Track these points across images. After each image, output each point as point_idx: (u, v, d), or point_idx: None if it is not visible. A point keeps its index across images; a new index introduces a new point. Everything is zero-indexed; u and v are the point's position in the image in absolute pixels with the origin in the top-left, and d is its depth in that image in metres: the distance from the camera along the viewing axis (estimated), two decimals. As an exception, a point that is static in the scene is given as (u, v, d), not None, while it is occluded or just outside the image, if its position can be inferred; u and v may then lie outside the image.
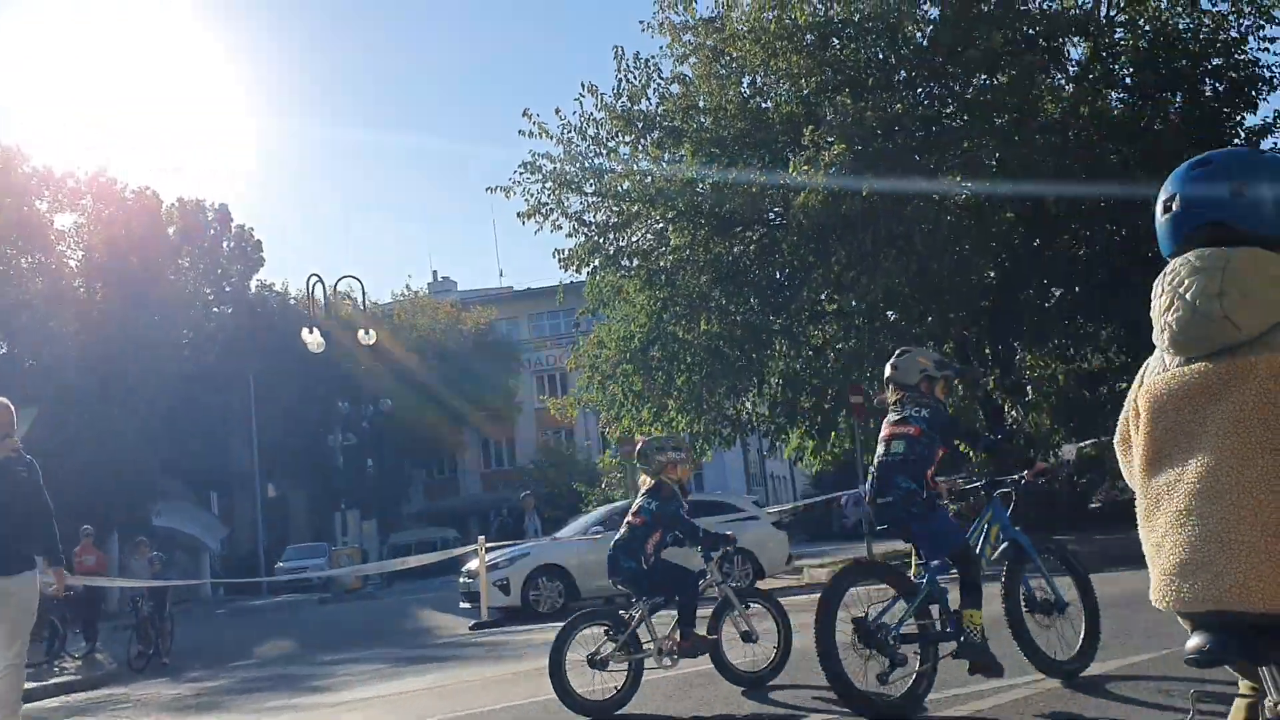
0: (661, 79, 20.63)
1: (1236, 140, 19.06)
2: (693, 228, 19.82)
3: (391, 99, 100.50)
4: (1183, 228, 2.08)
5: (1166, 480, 1.94)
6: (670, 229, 20.17)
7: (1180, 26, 19.34)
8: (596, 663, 6.15)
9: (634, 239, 20.80)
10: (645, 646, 6.23)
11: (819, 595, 5.39)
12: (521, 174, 19.71)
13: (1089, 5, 19.73)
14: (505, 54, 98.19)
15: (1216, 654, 1.81)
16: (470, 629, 15.53)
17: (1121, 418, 2.25)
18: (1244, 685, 1.91)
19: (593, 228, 20.40)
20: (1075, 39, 19.67)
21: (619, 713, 6.26)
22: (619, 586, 6.73)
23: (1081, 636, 5.81)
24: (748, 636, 6.59)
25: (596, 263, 20.23)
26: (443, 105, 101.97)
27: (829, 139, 17.95)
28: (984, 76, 19.08)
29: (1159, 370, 2.11)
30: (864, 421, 19.14)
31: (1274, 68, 19.26)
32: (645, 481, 6.54)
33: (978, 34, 18.24)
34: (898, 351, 5.91)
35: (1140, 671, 5.78)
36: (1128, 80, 19.70)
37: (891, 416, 5.64)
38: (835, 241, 18.26)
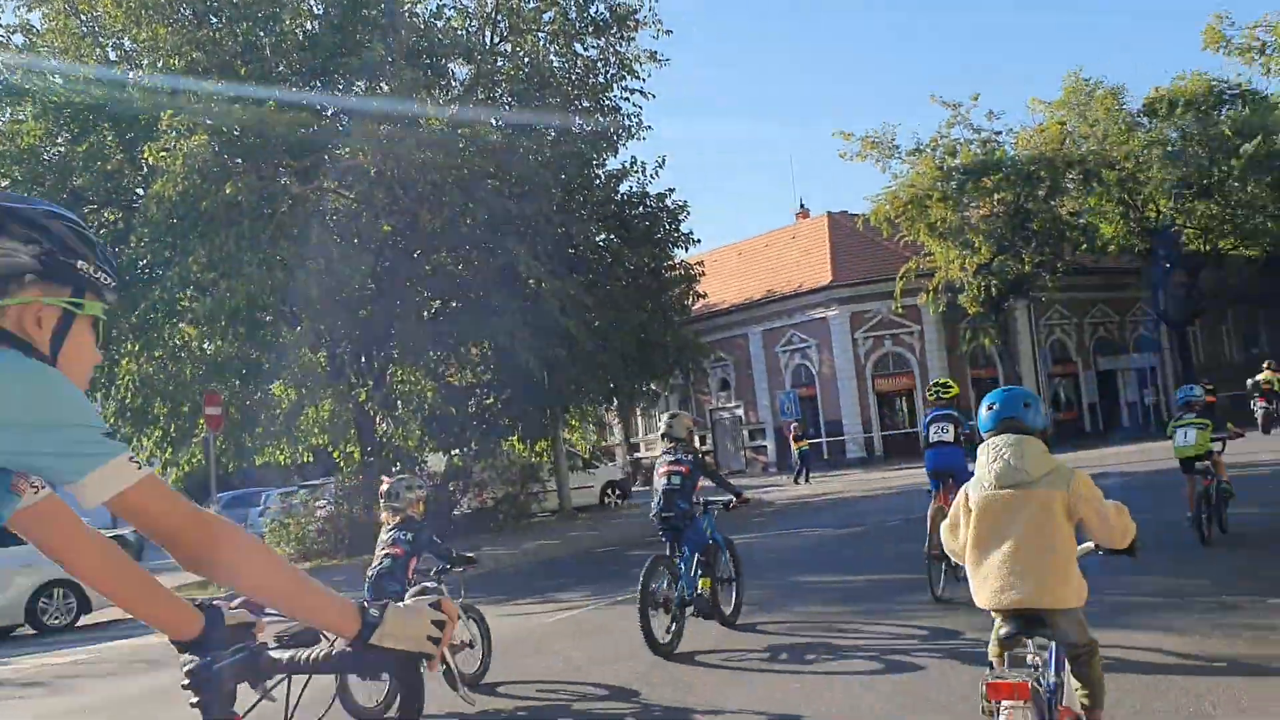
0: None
1: (597, 180, 21.90)
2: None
3: None
4: (996, 420, 4.11)
5: (990, 548, 3.92)
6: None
7: (555, 65, 21.68)
8: None
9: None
10: None
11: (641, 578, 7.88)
12: None
13: (475, 29, 21.34)
14: None
15: (1020, 630, 3.76)
16: None
17: (952, 514, 4.17)
18: (1032, 654, 3.79)
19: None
20: (459, 60, 21.15)
21: None
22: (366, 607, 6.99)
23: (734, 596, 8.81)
24: (469, 644, 7.48)
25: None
26: None
27: (192, 125, 17.47)
28: (365, 84, 19.76)
29: (981, 490, 4.00)
30: (220, 433, 18.89)
31: (633, 117, 22.40)
32: (388, 518, 7.45)
33: (362, 39, 18.89)
34: (671, 413, 9.14)
35: None
36: (508, 107, 21.63)
37: (667, 457, 8.56)
38: (196, 239, 17.81)
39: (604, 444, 41.48)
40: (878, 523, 15.01)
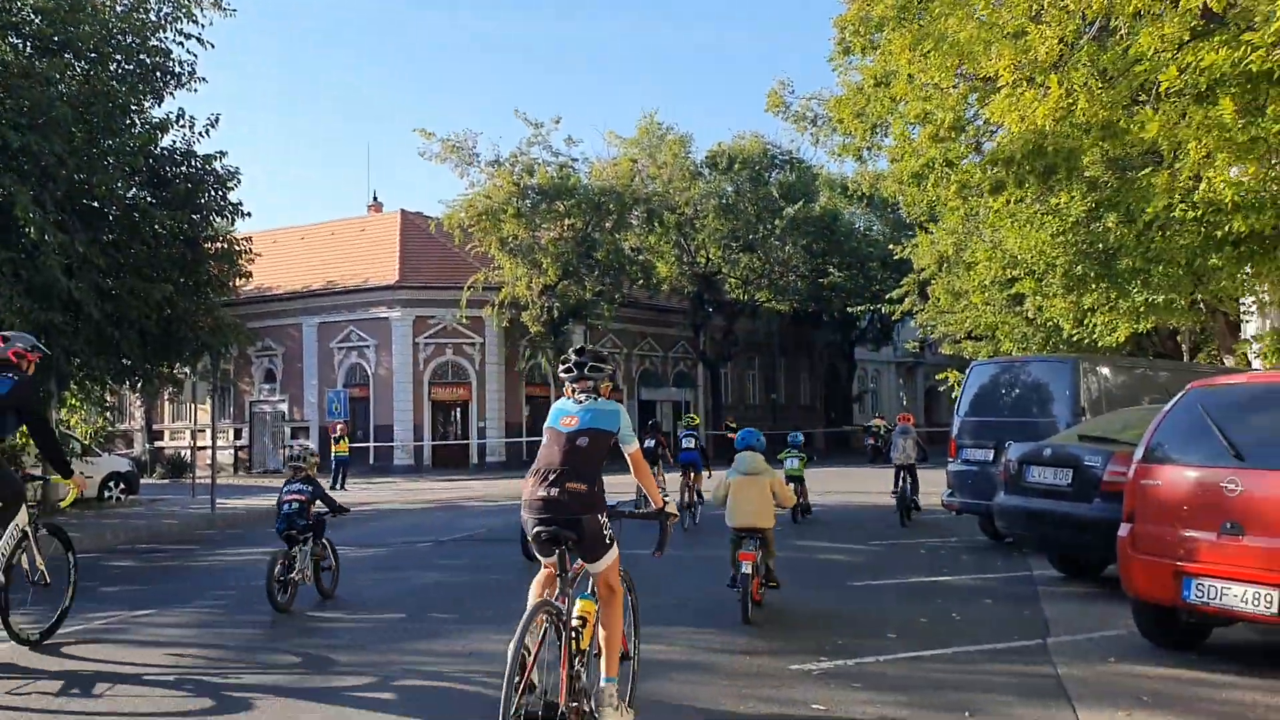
0: None
1: (133, 127, 18.94)
2: None
3: None
4: (743, 444, 8.88)
5: (740, 501, 8.46)
6: None
7: (99, -10, 18.51)
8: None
9: None
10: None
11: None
12: None
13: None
14: None
15: (748, 535, 8.32)
16: None
17: (721, 485, 8.67)
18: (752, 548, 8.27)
19: None
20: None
21: None
22: (297, 536, 9.13)
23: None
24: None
25: None
26: None
27: None
28: None
29: (738, 475, 8.57)
30: None
31: (185, 64, 19.65)
32: (290, 474, 9.61)
33: None
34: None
35: None
36: (30, 25, 18.11)
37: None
38: None
39: (111, 430, 36.77)
40: (404, 545, 13.86)
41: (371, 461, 35.93)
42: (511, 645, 4.17)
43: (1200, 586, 6.37)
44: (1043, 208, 16.44)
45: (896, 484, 15.64)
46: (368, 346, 37.40)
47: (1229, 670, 6.43)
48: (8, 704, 5.90)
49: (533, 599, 4.82)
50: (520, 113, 65.11)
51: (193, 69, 20.28)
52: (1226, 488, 6.31)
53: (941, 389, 30.74)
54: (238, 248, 22.01)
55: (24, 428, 7.97)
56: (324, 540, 9.42)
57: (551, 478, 4.67)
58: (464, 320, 35.47)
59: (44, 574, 7.41)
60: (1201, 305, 17.40)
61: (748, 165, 39.65)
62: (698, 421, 17.73)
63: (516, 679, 4.13)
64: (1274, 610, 6.00)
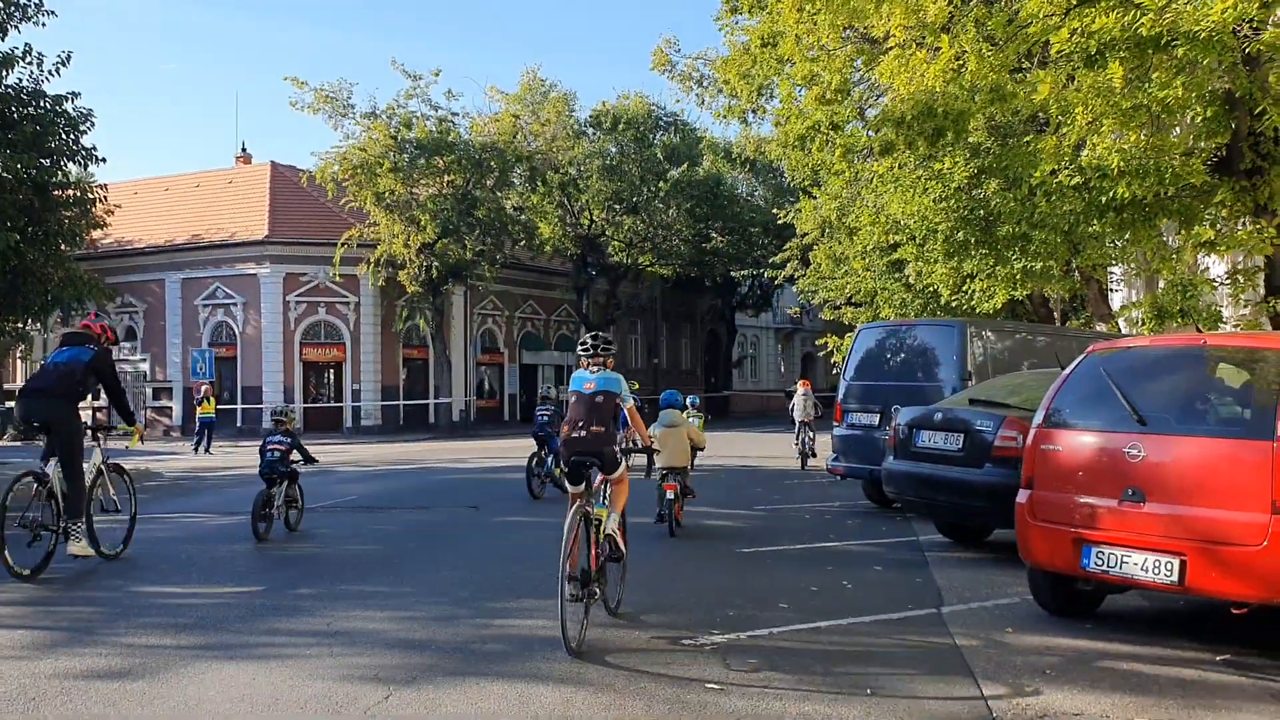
0: None
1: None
2: None
3: None
4: (665, 404, 11.52)
5: (667, 446, 10.87)
6: None
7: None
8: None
9: None
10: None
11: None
12: None
13: None
14: None
15: (671, 473, 10.94)
16: None
17: (652, 432, 10.25)
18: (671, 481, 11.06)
19: None
20: None
21: None
22: (276, 480, 10.82)
23: None
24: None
25: None
26: None
27: None
28: None
29: (663, 428, 11.14)
30: None
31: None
32: (273, 427, 11.28)
33: None
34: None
35: None
36: None
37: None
38: None
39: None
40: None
41: (239, 424, 34.37)
42: (565, 529, 6.16)
43: (1100, 554, 6.19)
44: (926, 173, 16.39)
45: (798, 438, 18.89)
46: (235, 304, 35.67)
47: (1127, 640, 6.28)
48: None
49: (571, 510, 6.34)
50: (398, 64, 62.86)
51: (39, 1, 18.71)
52: (1129, 453, 6.12)
53: (821, 354, 30.87)
54: (91, 195, 20.52)
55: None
56: (297, 485, 11.13)
57: (580, 424, 6.61)
58: (337, 278, 34.08)
59: (115, 501, 9.31)
60: (1076, 273, 17.64)
61: (632, 126, 39.04)
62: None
63: (569, 548, 6.06)
64: (1174, 579, 5.85)
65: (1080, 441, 6.52)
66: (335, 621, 6.66)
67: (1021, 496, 6.76)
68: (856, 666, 5.70)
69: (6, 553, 7.94)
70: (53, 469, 8.53)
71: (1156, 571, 5.92)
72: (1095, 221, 13.08)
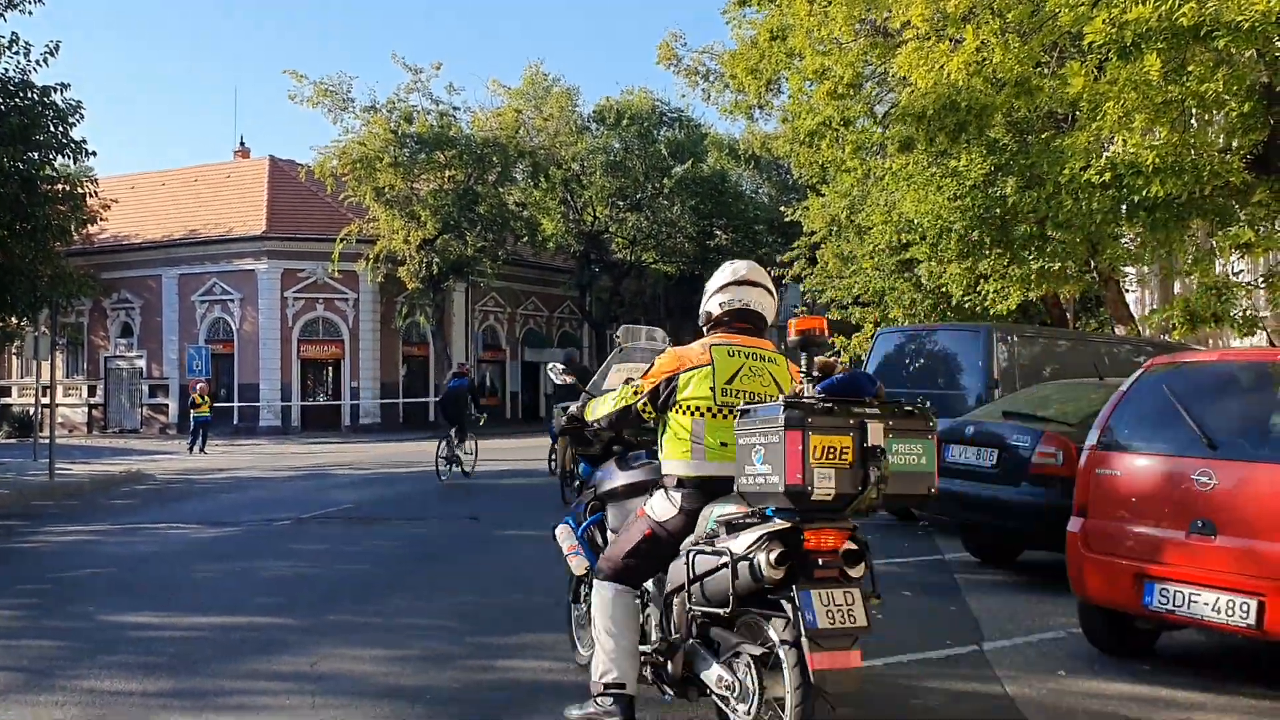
0: None
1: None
2: None
3: None
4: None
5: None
6: None
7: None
8: None
9: None
10: None
11: None
12: None
13: None
14: None
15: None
16: None
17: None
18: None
19: None
20: None
21: None
22: None
23: None
24: None
25: None
26: None
27: None
28: None
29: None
30: None
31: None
32: None
33: None
34: None
35: None
36: None
37: None
38: None
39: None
40: (259, 524, 12.39)
41: (236, 422, 33.78)
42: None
43: (1165, 592, 5.56)
44: (940, 170, 15.76)
45: None
46: (232, 300, 35.06)
47: (1191, 685, 5.65)
48: None
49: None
50: (398, 57, 61.97)
51: (26, -13, 18.07)
52: (1198, 481, 5.49)
53: (826, 354, 30.18)
54: (81, 190, 19.88)
55: None
56: None
57: None
58: (336, 274, 33.45)
59: None
60: (1096, 274, 17.00)
61: (636, 121, 38.36)
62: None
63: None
64: (1250, 621, 5.22)
65: (1141, 466, 5.90)
66: (320, 661, 6.04)
67: (1074, 525, 6.13)
68: None
69: None
70: None
71: (1230, 613, 5.30)
72: (1124, 222, 12.44)
